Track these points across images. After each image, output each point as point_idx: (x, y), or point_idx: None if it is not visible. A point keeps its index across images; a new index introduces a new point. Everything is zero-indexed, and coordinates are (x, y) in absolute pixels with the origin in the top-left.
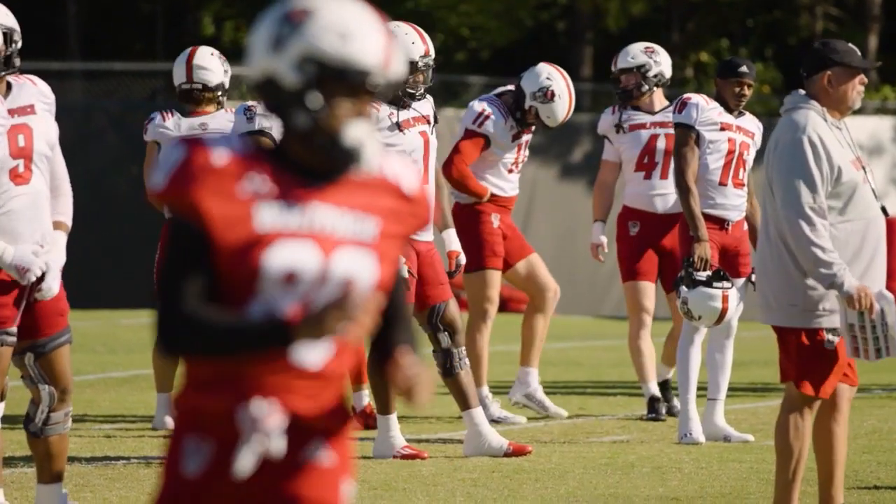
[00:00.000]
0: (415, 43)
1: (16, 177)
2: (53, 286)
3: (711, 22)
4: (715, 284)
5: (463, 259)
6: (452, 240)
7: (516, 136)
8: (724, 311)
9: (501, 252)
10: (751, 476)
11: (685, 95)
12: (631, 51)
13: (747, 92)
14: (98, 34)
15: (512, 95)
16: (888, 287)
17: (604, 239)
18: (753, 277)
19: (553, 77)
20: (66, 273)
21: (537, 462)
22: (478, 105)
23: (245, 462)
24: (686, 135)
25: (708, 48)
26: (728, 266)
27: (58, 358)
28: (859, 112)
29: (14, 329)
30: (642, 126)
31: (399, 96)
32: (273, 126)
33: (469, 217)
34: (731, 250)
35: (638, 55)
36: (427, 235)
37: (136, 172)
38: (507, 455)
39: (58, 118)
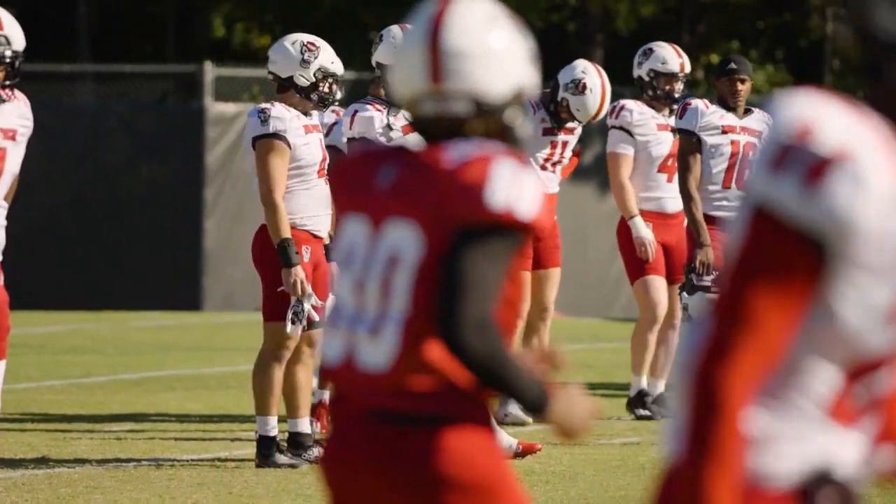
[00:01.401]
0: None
1: None
2: None
3: (722, 24)
4: (714, 290)
5: None
6: None
7: (549, 132)
8: None
9: (529, 253)
10: None
11: (686, 100)
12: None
13: (741, 87)
14: (108, 36)
15: (549, 92)
16: None
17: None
18: None
19: (588, 71)
20: (77, 274)
21: (548, 464)
22: None
23: None
24: (688, 140)
25: (718, 50)
26: None
27: None
28: None
29: None
30: (666, 128)
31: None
32: (287, 129)
33: None
34: None
35: None
36: None
37: (146, 174)
38: (516, 455)
39: (68, 120)
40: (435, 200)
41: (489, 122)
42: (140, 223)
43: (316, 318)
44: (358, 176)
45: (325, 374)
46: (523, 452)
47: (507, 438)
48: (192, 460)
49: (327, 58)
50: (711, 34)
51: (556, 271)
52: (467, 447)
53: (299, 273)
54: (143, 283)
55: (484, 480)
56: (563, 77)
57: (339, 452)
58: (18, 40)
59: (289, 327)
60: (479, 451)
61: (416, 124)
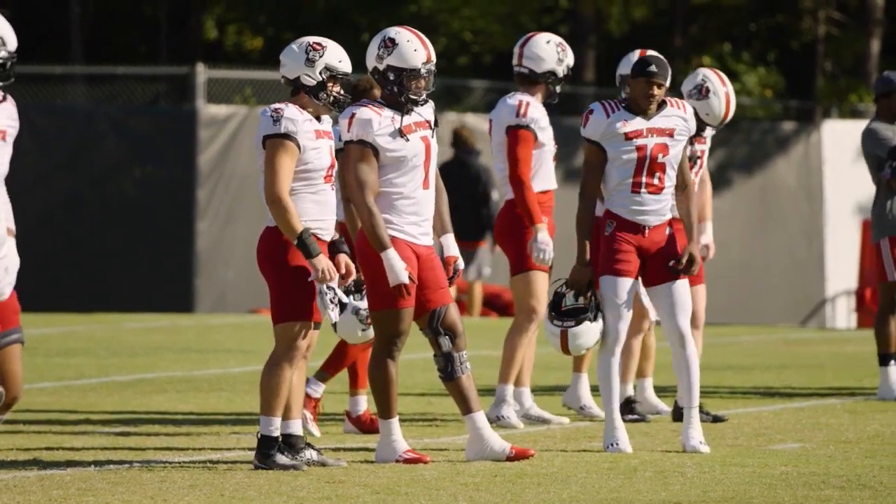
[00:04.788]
0: (416, 50)
1: None
2: (6, 290)
3: (714, 26)
4: (555, 322)
5: (461, 264)
6: (450, 245)
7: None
8: (562, 348)
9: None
10: (753, 480)
11: (589, 107)
12: None
13: (656, 92)
14: (101, 38)
15: (527, 82)
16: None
17: None
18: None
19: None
20: (70, 276)
21: (539, 466)
22: (512, 99)
23: None
24: (589, 149)
25: (710, 52)
26: (650, 269)
27: (8, 356)
28: (860, 116)
29: None
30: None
31: (402, 102)
32: (298, 131)
33: (519, 218)
34: (651, 253)
35: None
36: (427, 239)
37: (138, 176)
38: (509, 459)
39: (61, 122)
40: None
41: None
42: (132, 225)
43: (345, 300)
44: None
45: None
46: (516, 457)
47: (500, 442)
48: (184, 462)
49: (333, 56)
50: (703, 36)
51: (545, 273)
52: None
53: (324, 261)
54: (136, 284)
55: None
56: (553, 62)
57: None
58: (11, 41)
59: (330, 315)
60: None
61: None
